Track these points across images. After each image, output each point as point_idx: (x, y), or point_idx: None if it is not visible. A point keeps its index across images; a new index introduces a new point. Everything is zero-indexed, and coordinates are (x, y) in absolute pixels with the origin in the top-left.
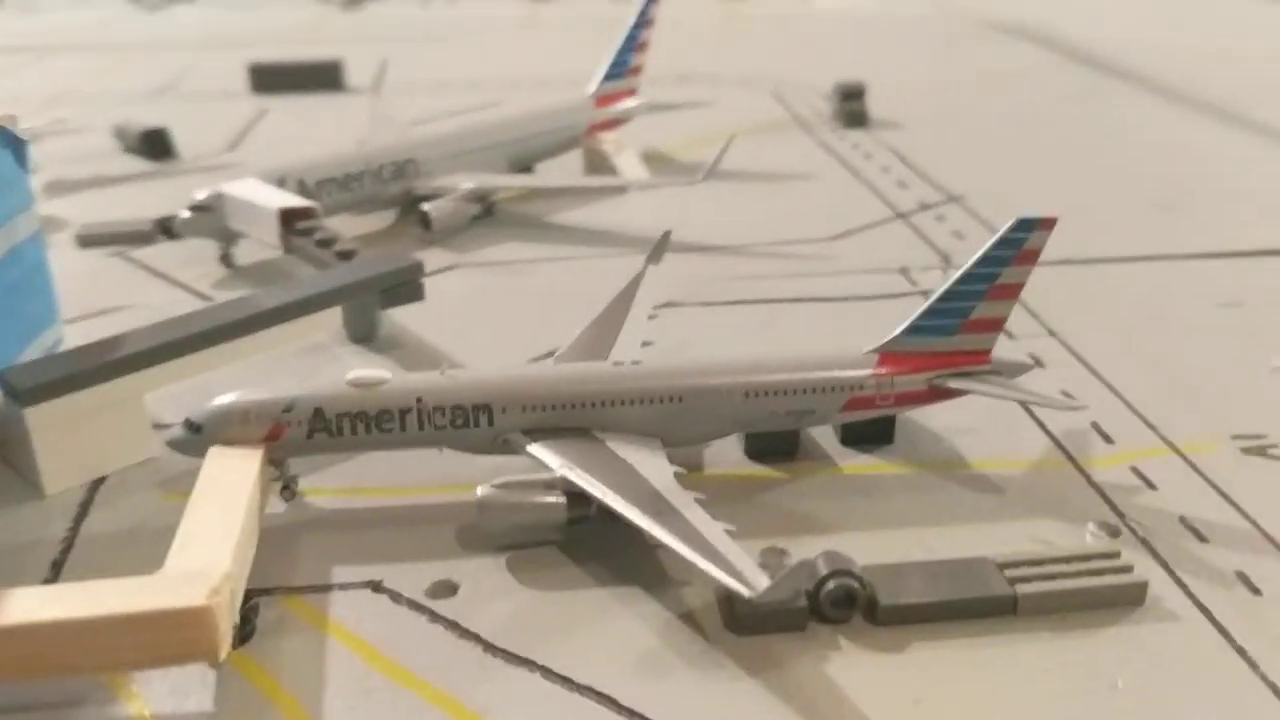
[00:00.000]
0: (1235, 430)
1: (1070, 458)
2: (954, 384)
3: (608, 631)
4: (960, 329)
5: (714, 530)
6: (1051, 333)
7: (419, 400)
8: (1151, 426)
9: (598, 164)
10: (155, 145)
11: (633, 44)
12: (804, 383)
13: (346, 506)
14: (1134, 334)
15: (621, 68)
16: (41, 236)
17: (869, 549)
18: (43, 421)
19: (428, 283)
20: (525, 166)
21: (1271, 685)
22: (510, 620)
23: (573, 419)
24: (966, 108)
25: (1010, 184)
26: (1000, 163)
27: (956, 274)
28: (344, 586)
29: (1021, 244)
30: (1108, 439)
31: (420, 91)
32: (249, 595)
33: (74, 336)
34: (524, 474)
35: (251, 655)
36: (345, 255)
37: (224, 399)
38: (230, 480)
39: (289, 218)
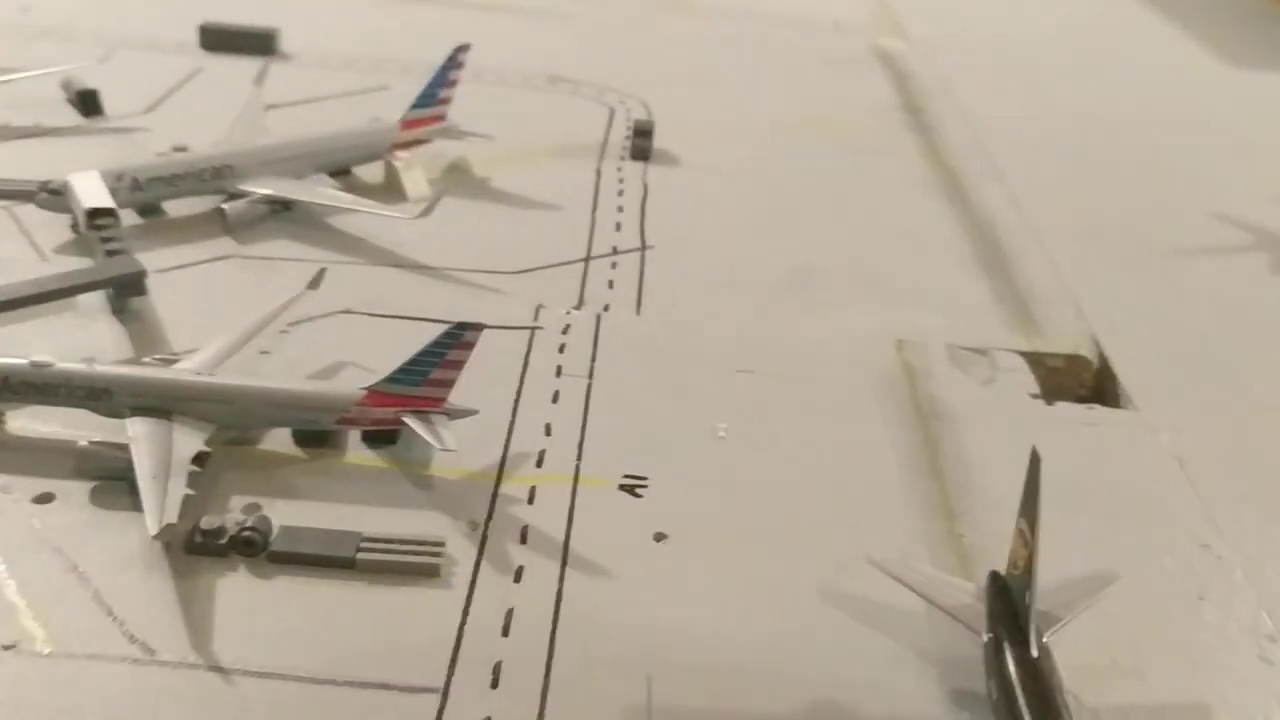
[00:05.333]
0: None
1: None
2: (407, 419)
3: None
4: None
5: (175, 494)
6: None
7: (68, 379)
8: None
9: (391, 176)
10: (88, 103)
11: (441, 83)
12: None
13: (26, 435)
14: None
15: (429, 99)
16: None
17: (308, 515)
18: None
19: (206, 267)
20: (341, 170)
21: None
22: None
23: (159, 405)
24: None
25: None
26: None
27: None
28: None
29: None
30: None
31: (327, 67)
32: None
33: None
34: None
35: None
36: (111, 253)
37: None
38: None
39: (94, 214)
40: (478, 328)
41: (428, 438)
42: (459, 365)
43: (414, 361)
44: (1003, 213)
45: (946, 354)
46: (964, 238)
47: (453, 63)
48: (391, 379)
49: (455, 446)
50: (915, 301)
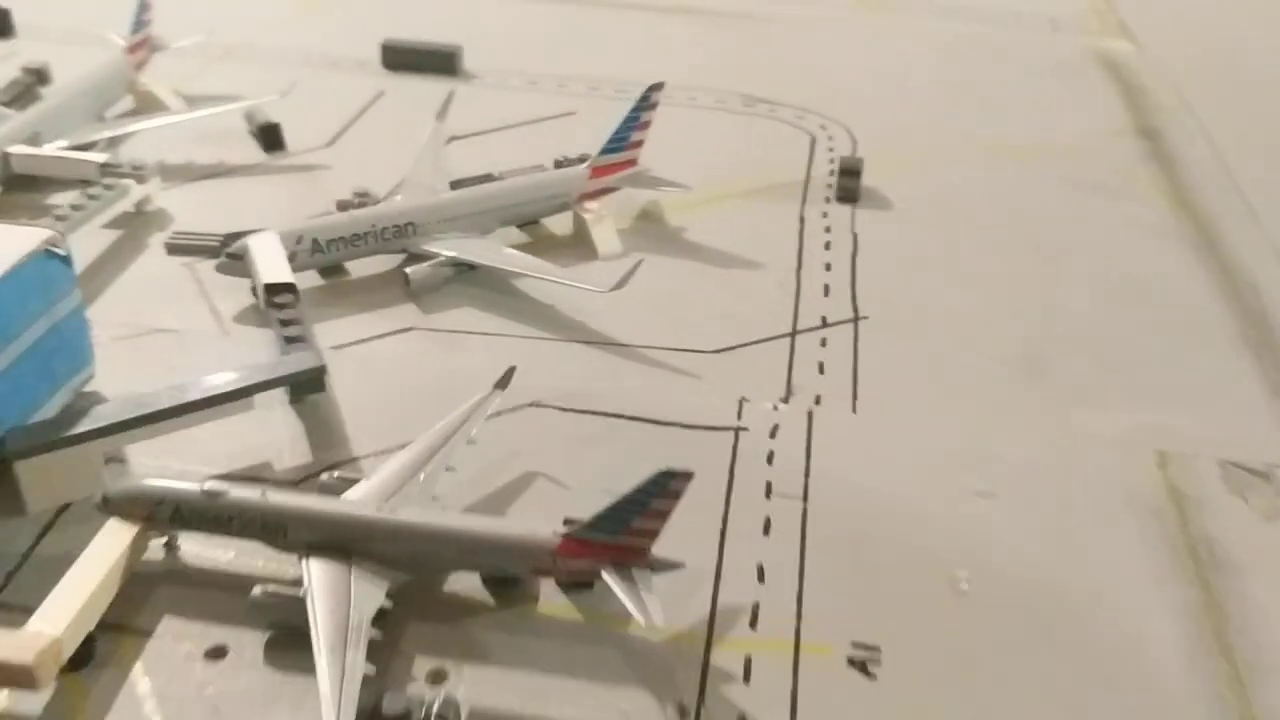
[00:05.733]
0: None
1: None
2: (607, 576)
3: None
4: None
5: (354, 674)
6: None
7: (241, 512)
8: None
9: (580, 229)
10: (269, 138)
11: (633, 124)
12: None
13: (200, 565)
14: None
15: (620, 143)
16: (81, 308)
17: (497, 685)
18: (28, 468)
19: (389, 341)
20: (529, 221)
21: None
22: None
23: (338, 544)
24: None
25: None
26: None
27: (623, 496)
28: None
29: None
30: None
31: (509, 88)
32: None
33: (117, 353)
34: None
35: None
36: (291, 339)
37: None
38: (102, 552)
39: (272, 289)
40: (686, 476)
41: (630, 607)
42: (665, 515)
43: (615, 508)
44: (1265, 268)
45: (1220, 473)
46: (1222, 304)
47: (645, 103)
48: (590, 525)
49: (661, 623)
50: (1172, 393)
